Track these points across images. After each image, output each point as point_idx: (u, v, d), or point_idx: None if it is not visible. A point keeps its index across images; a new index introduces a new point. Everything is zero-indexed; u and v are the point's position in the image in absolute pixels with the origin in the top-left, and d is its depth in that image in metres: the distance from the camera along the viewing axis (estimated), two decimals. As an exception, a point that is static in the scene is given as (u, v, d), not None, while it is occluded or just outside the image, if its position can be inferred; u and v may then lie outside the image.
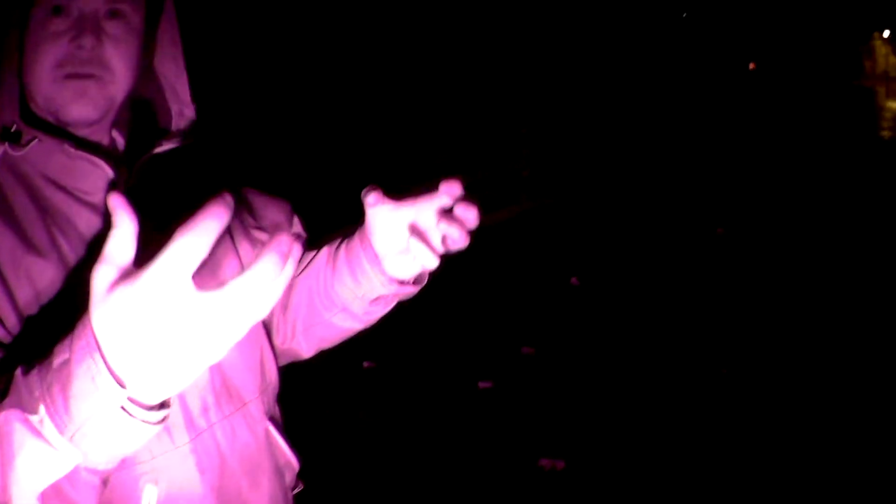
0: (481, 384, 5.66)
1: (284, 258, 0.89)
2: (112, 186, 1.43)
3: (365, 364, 6.01)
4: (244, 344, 1.42)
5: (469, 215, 1.43)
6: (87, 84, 1.39)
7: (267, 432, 1.57)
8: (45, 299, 1.32)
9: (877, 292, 7.08)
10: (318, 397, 5.10)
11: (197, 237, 0.89)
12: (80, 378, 0.90)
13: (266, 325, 1.65)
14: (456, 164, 9.96)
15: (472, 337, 6.48)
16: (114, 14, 1.41)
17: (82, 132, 1.44)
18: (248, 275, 0.88)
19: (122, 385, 0.89)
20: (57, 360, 0.94)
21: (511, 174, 10.87)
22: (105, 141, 1.51)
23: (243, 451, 1.50)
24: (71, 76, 1.38)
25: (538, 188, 10.95)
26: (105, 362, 0.89)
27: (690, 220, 9.82)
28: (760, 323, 6.55)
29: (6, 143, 1.38)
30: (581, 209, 10.37)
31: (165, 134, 1.57)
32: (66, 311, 1.26)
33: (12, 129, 1.38)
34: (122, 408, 0.90)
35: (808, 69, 18.32)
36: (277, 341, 1.73)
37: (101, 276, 0.92)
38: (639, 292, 7.35)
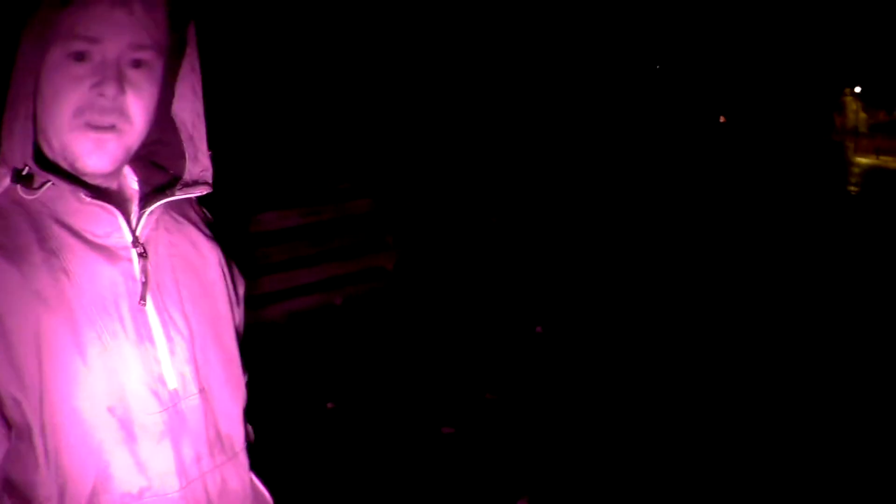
0: (444, 429, 5.67)
1: None
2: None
3: (328, 405, 6.00)
4: (237, 394, 1.56)
5: None
6: (107, 136, 1.37)
7: (252, 481, 1.61)
8: (46, 348, 1.31)
9: (847, 338, 7.17)
10: (281, 435, 5.10)
11: None
12: None
13: None
14: (421, 207, 9.99)
15: (437, 382, 6.49)
16: (137, 63, 1.38)
17: (96, 180, 1.43)
18: None
19: None
20: None
21: (478, 220, 10.93)
22: (115, 185, 1.50)
23: (231, 499, 1.53)
24: (90, 126, 1.36)
25: (506, 235, 11.00)
26: None
27: (658, 271, 9.87)
28: (728, 378, 6.56)
29: (18, 185, 1.37)
30: (548, 258, 10.41)
31: (176, 172, 1.55)
32: (67, 358, 1.33)
33: (24, 172, 1.36)
34: None
35: (779, 123, 18.55)
36: None
37: None
38: (604, 341, 7.37)
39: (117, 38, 1.35)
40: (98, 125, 1.36)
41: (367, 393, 6.26)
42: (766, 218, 12.83)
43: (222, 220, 1.76)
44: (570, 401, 6.11)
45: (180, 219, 1.58)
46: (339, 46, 13.40)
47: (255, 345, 1.77)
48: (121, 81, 1.35)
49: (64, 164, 1.39)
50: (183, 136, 1.55)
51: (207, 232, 1.66)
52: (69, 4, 1.32)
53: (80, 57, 1.34)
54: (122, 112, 1.37)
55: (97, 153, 1.37)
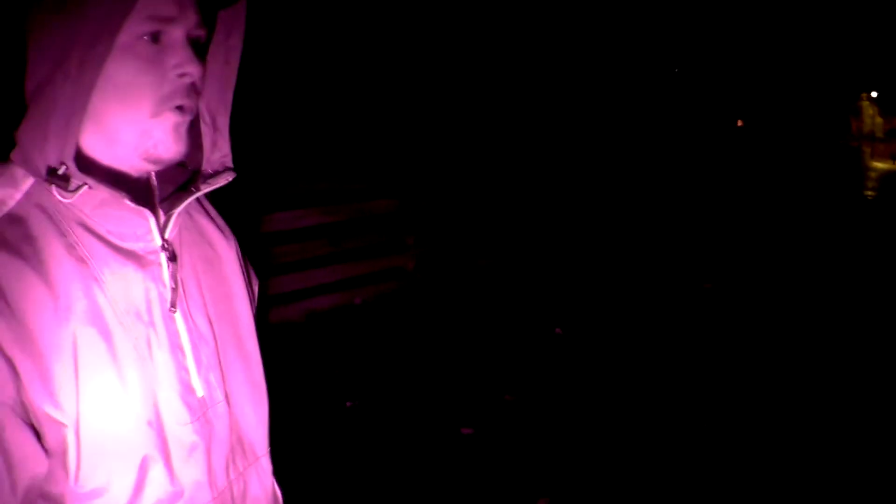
0: (463, 430, 5.68)
1: None
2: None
3: (347, 404, 6.02)
4: (258, 400, 1.50)
5: None
6: (184, 119, 1.31)
7: (273, 487, 1.58)
8: (83, 363, 1.24)
9: (863, 345, 7.14)
10: (300, 434, 5.13)
11: None
12: None
13: None
14: (441, 208, 10.00)
15: (456, 382, 6.49)
16: (197, 41, 1.32)
17: (149, 170, 1.37)
18: None
19: None
20: None
21: (497, 220, 10.93)
22: (145, 180, 1.41)
23: None
24: (175, 110, 1.29)
25: (525, 236, 11.01)
26: None
27: (678, 274, 9.87)
28: (746, 377, 6.56)
29: (54, 187, 1.27)
30: (568, 260, 10.43)
31: (193, 164, 1.47)
32: (104, 372, 1.26)
33: (60, 171, 1.25)
34: None
35: (796, 128, 18.51)
36: None
37: None
38: (622, 344, 7.37)
39: (187, 16, 1.28)
40: (185, 107, 1.30)
41: (386, 392, 6.27)
42: (783, 222, 12.81)
43: (241, 218, 1.69)
44: (589, 402, 6.11)
45: (194, 214, 1.52)
46: (362, 45, 13.42)
47: (274, 344, 1.74)
48: (197, 60, 1.29)
49: (126, 157, 1.31)
50: (203, 121, 1.48)
51: (222, 225, 1.59)
52: None
53: (156, 38, 1.26)
54: (197, 92, 1.33)
55: (179, 138, 1.31)
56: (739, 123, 19.45)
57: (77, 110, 1.24)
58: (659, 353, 7.12)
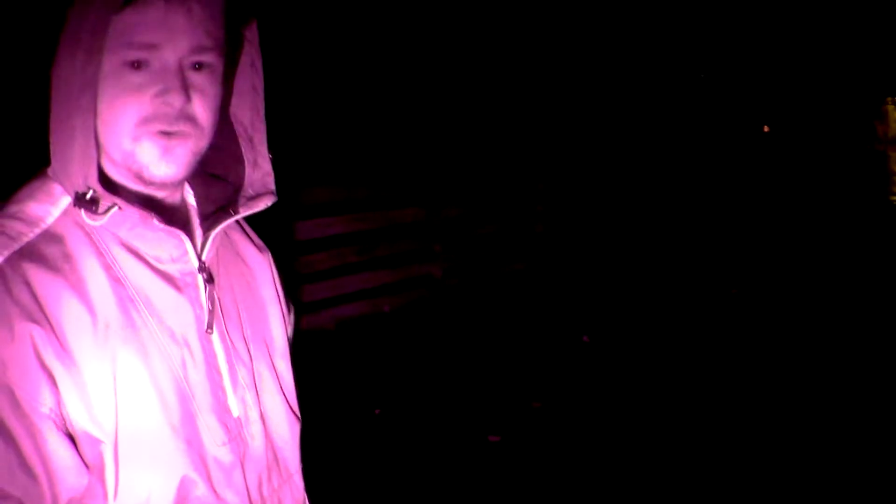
0: (490, 437, 5.72)
1: None
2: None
3: (376, 411, 6.07)
4: (290, 418, 1.51)
5: None
6: (175, 142, 1.27)
7: (305, 502, 1.57)
8: (121, 383, 1.25)
9: (886, 351, 7.13)
10: (329, 441, 5.16)
11: None
12: None
13: None
14: (469, 216, 10.02)
15: (483, 390, 6.52)
16: (199, 66, 1.29)
17: (160, 193, 1.35)
18: None
19: None
20: None
21: (524, 229, 10.94)
22: (178, 197, 1.42)
23: None
24: (157, 135, 1.26)
25: (551, 244, 11.01)
26: None
27: (704, 280, 9.86)
28: (773, 384, 6.54)
29: (82, 210, 1.27)
30: (595, 266, 10.44)
31: (235, 180, 1.47)
32: (142, 392, 1.27)
33: (88, 196, 1.26)
34: None
35: (821, 133, 18.43)
36: None
37: None
38: (650, 351, 7.38)
39: (177, 42, 1.25)
40: (172, 133, 1.27)
41: (414, 400, 6.31)
42: (809, 227, 12.77)
43: (272, 227, 1.69)
44: (617, 410, 6.12)
45: (230, 232, 1.52)
46: (393, 53, 13.45)
47: (303, 351, 1.76)
48: (185, 88, 1.27)
49: (129, 179, 1.31)
50: (241, 138, 1.47)
51: (258, 243, 1.60)
52: (121, 10, 1.22)
53: (137, 65, 1.25)
54: (190, 118, 1.28)
55: (166, 160, 1.27)
56: (765, 129, 19.37)
57: (88, 135, 1.25)
58: (686, 360, 7.11)
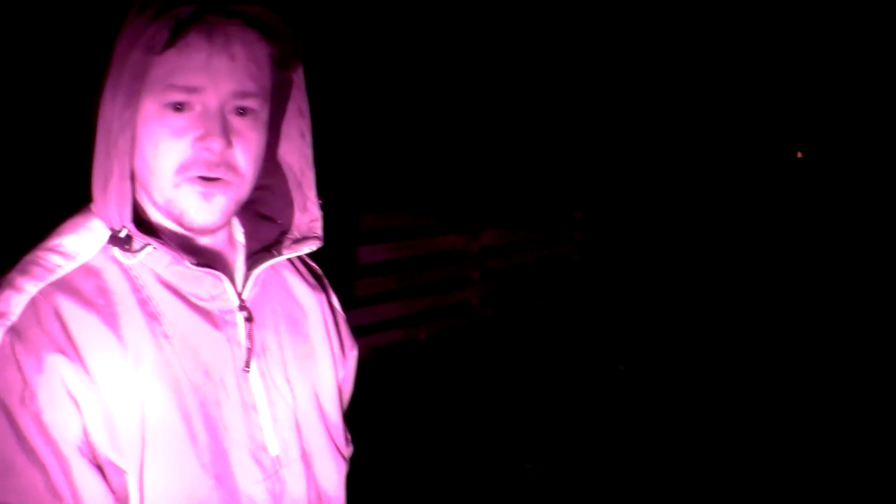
0: (526, 465, 5.72)
1: None
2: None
3: (412, 439, 6.09)
4: (337, 457, 1.51)
5: None
6: (214, 189, 1.27)
7: None
8: (149, 416, 1.26)
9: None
10: (364, 468, 5.18)
11: None
12: None
13: None
14: (507, 244, 10.04)
15: (519, 417, 6.52)
16: (242, 111, 1.29)
17: (202, 235, 1.37)
18: None
19: None
20: None
21: (561, 257, 10.97)
22: (221, 237, 1.42)
23: None
24: (196, 180, 1.27)
25: (588, 272, 11.02)
26: None
27: (738, 308, 9.82)
28: (835, 419, 6.45)
29: (116, 248, 1.29)
30: (632, 295, 10.43)
31: (284, 222, 1.48)
32: (171, 427, 1.28)
33: (122, 235, 1.28)
34: None
35: (857, 159, 18.26)
36: None
37: None
38: (687, 381, 7.34)
39: (219, 86, 1.25)
40: (206, 178, 1.27)
41: (450, 427, 6.32)
42: (845, 259, 12.65)
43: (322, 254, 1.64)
44: (652, 439, 6.10)
45: (282, 271, 1.52)
46: (429, 87, 13.54)
47: None
48: (226, 133, 1.26)
49: (169, 221, 1.33)
50: (290, 182, 1.47)
51: (312, 282, 1.58)
52: (163, 52, 1.23)
53: (179, 108, 1.25)
54: (230, 165, 1.27)
55: (205, 208, 1.28)
56: (799, 155, 19.25)
57: (124, 176, 1.27)
58: (724, 389, 7.09)
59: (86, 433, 1.21)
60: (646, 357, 8.07)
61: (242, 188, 1.31)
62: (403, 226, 8.83)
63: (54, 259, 1.28)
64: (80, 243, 1.30)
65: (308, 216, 1.47)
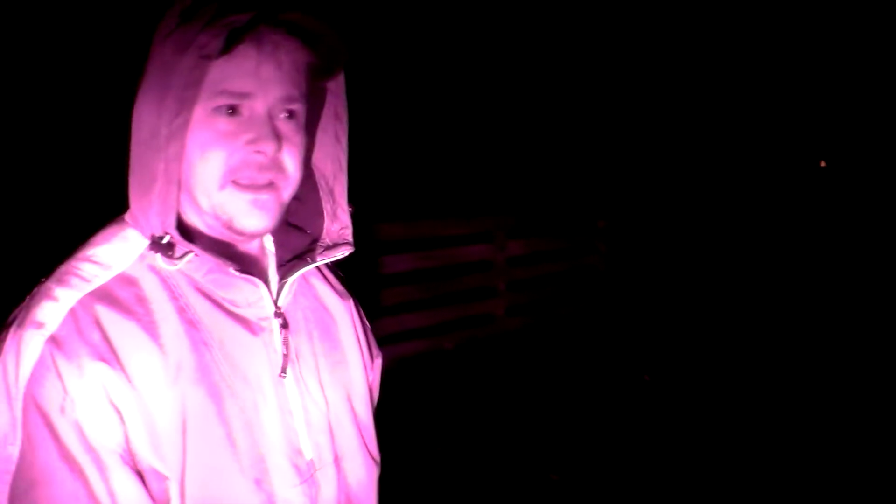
0: (552, 476, 5.72)
1: None
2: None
3: (438, 448, 6.10)
4: (368, 461, 1.55)
5: None
6: (264, 195, 1.31)
7: None
8: (190, 422, 1.28)
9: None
10: (390, 479, 5.19)
11: None
12: None
13: None
14: (532, 254, 10.04)
15: (545, 427, 6.52)
16: (289, 115, 1.33)
17: (242, 242, 1.40)
18: None
19: None
20: None
21: (586, 267, 10.99)
22: (256, 244, 1.45)
23: None
24: (248, 186, 1.29)
25: (613, 282, 11.01)
26: None
27: (763, 318, 9.78)
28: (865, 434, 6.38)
29: (159, 254, 1.31)
30: (656, 305, 10.41)
31: (314, 232, 1.51)
32: (212, 432, 1.30)
33: (164, 241, 1.30)
34: None
35: (882, 169, 18.11)
36: None
37: None
38: (713, 392, 7.31)
39: (267, 91, 1.29)
40: (256, 184, 1.30)
41: (475, 437, 6.32)
42: (873, 271, 12.55)
43: (349, 266, 1.69)
44: (678, 450, 6.09)
45: (311, 279, 1.55)
46: (454, 97, 13.58)
47: None
48: (277, 136, 1.29)
49: (215, 226, 1.34)
50: (322, 189, 1.50)
51: (340, 290, 1.62)
52: (216, 59, 1.25)
53: (231, 112, 1.28)
54: (280, 167, 1.31)
55: (256, 213, 1.30)
56: (822, 164, 19.13)
57: (171, 182, 1.28)
58: (747, 401, 7.05)
59: (127, 441, 1.23)
60: (671, 367, 8.05)
61: (289, 190, 1.35)
62: (430, 236, 8.83)
63: (90, 269, 1.30)
64: (116, 253, 1.32)
65: (338, 224, 1.51)
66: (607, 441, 6.30)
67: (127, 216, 1.36)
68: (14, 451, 1.21)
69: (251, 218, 1.31)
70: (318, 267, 1.54)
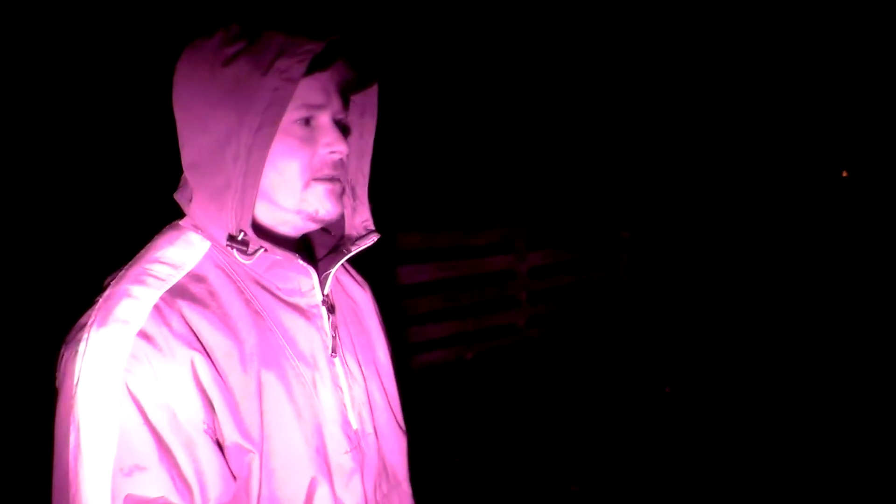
0: (572, 487, 5.73)
1: None
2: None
3: (457, 459, 6.12)
4: (398, 431, 1.75)
5: None
6: (336, 186, 1.52)
7: None
8: (266, 401, 1.43)
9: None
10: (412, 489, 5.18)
11: None
12: None
13: None
14: (554, 265, 10.04)
15: (565, 438, 6.54)
16: (342, 121, 1.55)
17: (288, 235, 1.56)
18: None
19: None
20: None
21: (609, 278, 10.99)
22: (302, 245, 1.66)
23: None
24: (324, 180, 1.50)
25: (636, 293, 10.99)
26: None
27: (790, 334, 9.75)
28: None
29: (234, 250, 1.46)
30: (679, 317, 10.39)
31: (336, 232, 1.71)
32: (283, 408, 1.47)
33: (239, 237, 1.44)
34: None
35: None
36: None
37: None
38: (735, 405, 7.29)
39: (332, 102, 1.51)
40: (333, 177, 1.51)
41: (495, 447, 6.34)
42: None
43: (372, 273, 1.93)
44: (698, 463, 6.08)
45: (336, 273, 1.72)
46: (477, 107, 13.60)
47: None
48: (344, 139, 1.51)
49: (295, 221, 1.52)
50: (345, 188, 1.66)
51: (359, 279, 1.85)
52: (298, 81, 1.41)
53: (306, 122, 1.48)
54: (343, 165, 1.56)
55: (333, 202, 1.51)
56: (844, 174, 19.01)
57: (250, 186, 1.42)
58: (771, 411, 7.04)
59: (214, 420, 1.37)
60: (692, 380, 8.04)
61: (347, 182, 1.64)
62: (451, 246, 8.86)
63: (163, 269, 1.44)
64: (183, 254, 1.47)
65: (359, 217, 1.71)
66: (627, 453, 6.30)
67: (182, 222, 1.52)
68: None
69: (329, 206, 1.51)
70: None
